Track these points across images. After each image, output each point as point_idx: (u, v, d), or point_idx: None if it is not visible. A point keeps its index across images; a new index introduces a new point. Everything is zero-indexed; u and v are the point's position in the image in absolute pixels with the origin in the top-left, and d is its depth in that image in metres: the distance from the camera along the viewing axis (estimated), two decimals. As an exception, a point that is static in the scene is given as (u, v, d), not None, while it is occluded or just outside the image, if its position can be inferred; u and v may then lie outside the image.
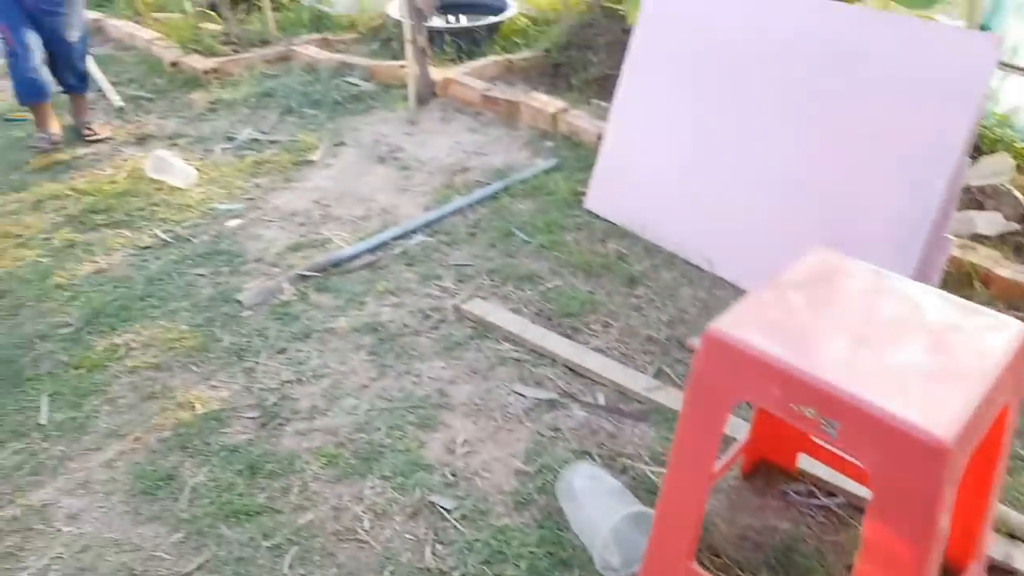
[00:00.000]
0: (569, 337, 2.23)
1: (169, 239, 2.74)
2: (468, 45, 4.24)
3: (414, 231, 2.73)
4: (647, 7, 2.65)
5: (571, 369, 2.12)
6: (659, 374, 2.12)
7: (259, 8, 4.63)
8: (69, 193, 3.04)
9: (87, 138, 3.46)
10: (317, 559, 1.62)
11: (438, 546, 1.65)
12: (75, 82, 3.46)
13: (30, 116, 3.42)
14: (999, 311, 2.20)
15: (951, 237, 2.07)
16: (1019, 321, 1.30)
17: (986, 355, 1.23)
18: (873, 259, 2.07)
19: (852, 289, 1.38)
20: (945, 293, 1.38)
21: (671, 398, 2.00)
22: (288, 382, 2.08)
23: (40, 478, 1.83)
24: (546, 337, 2.21)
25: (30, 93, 3.27)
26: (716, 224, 2.46)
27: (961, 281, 2.34)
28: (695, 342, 2.19)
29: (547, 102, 3.48)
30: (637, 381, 2.07)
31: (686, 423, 1.38)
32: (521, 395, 2.03)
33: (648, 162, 2.65)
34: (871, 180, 2.12)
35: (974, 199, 2.62)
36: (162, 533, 1.68)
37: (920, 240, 2.04)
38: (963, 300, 1.36)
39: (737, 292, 2.42)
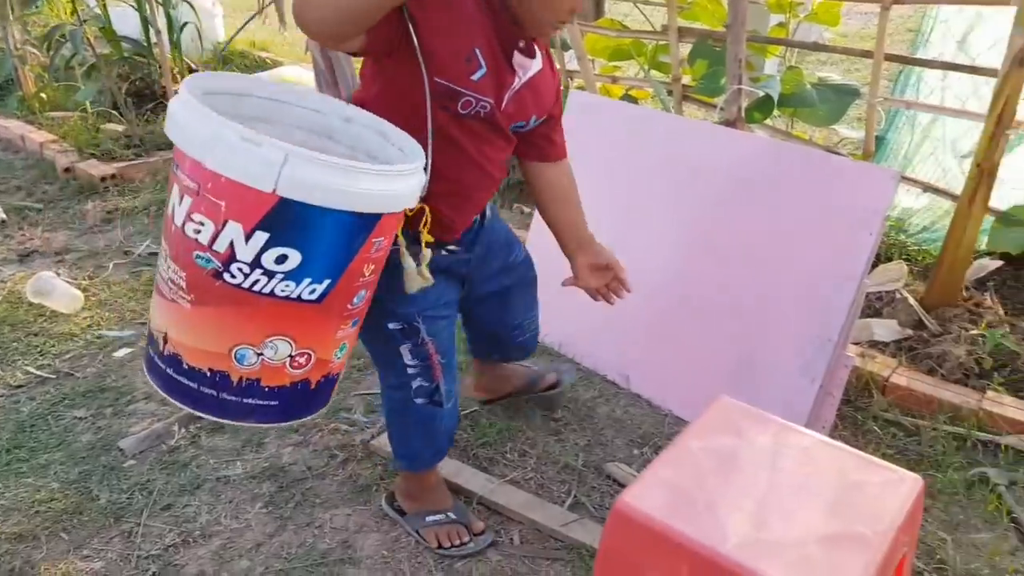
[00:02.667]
0: (485, 470, 2.14)
1: (46, 375, 2.53)
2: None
3: (318, 355, 2.61)
4: (569, 120, 2.68)
5: (486, 506, 2.03)
6: (576, 505, 2.05)
7: (167, 106, 4.51)
8: (-65, 324, 2.81)
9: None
10: None
11: None
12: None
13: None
14: (898, 418, 2.28)
15: (850, 355, 2.11)
16: (914, 475, 1.31)
17: (883, 515, 1.24)
18: (781, 378, 2.12)
19: (756, 448, 1.36)
20: (844, 446, 1.39)
21: (589, 533, 1.93)
22: (172, 546, 1.90)
23: None
24: (460, 472, 2.11)
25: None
26: (632, 341, 2.45)
27: (861, 390, 2.38)
28: (611, 469, 2.14)
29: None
30: (553, 516, 1.99)
31: (598, 601, 1.31)
32: (431, 543, 1.91)
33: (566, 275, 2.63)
34: (779, 302, 2.15)
35: (871, 305, 2.70)
36: None
37: (825, 360, 2.07)
38: (860, 454, 1.37)
39: (652, 408, 2.40)
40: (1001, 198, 2.86)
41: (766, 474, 1.32)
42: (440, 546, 1.87)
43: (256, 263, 1.28)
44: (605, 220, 2.53)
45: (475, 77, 1.46)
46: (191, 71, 5.15)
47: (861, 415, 2.33)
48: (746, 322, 2.21)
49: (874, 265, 2.84)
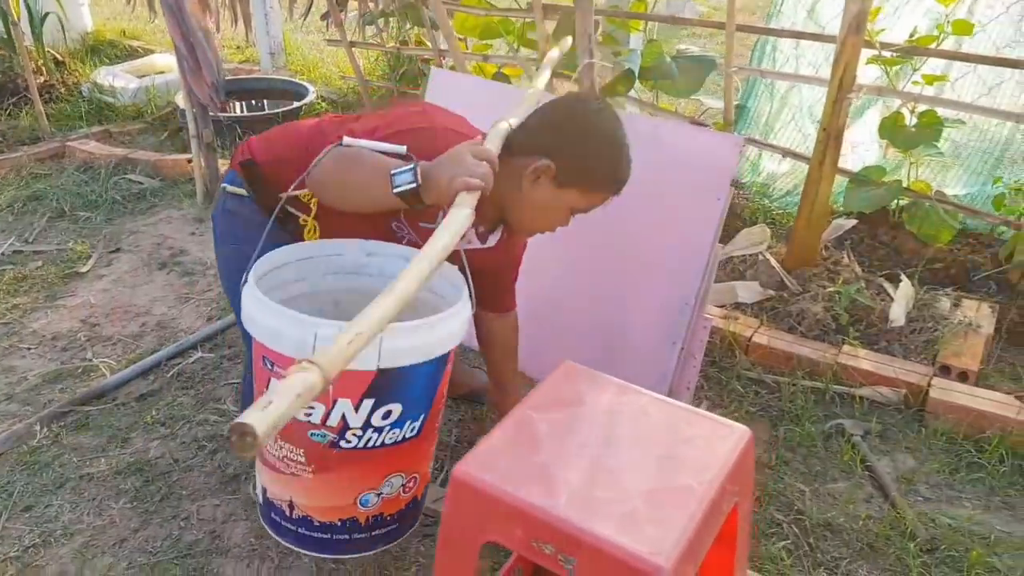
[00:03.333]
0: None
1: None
2: (262, 133, 4.13)
3: (193, 347, 2.56)
4: (428, 98, 2.67)
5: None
6: (447, 482, 2.07)
7: (30, 101, 4.29)
8: None
9: None
10: None
11: None
12: None
13: None
14: (760, 376, 2.39)
15: (709, 316, 2.20)
16: (742, 426, 1.38)
17: (710, 467, 1.29)
18: (648, 344, 2.19)
19: (593, 410, 1.41)
20: (678, 403, 1.46)
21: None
22: (33, 546, 1.84)
23: None
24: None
25: None
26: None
27: (725, 351, 2.49)
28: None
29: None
30: (428, 494, 2.02)
31: (441, 567, 1.34)
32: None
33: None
34: (641, 270, 2.22)
35: (736, 268, 2.82)
36: None
37: (685, 322, 2.15)
38: (693, 410, 1.43)
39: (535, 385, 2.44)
40: (854, 160, 3.02)
41: (601, 433, 1.37)
42: None
43: (367, 425, 1.47)
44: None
45: (423, 224, 1.67)
46: (57, 63, 4.90)
47: (725, 375, 2.44)
48: (613, 294, 2.27)
49: (738, 229, 2.96)
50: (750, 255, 2.84)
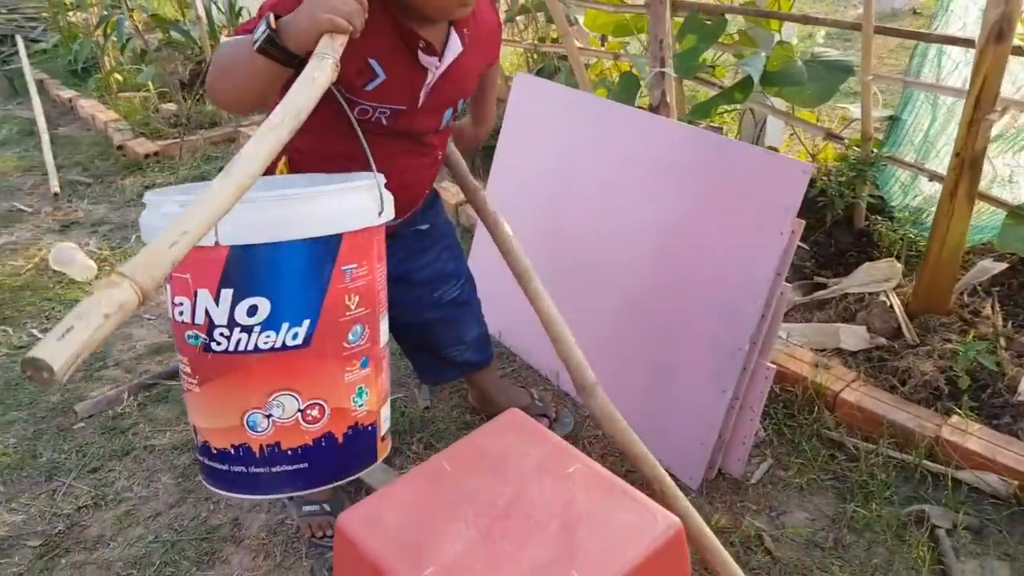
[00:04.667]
0: (387, 460, 2.15)
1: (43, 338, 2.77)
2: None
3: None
4: (512, 102, 2.60)
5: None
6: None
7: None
8: (-29, 286, 3.14)
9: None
10: None
11: None
12: None
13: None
14: (842, 438, 2.06)
15: (771, 365, 1.92)
16: (674, 518, 1.18)
17: (611, 558, 1.13)
18: (693, 385, 1.97)
19: (512, 470, 1.29)
20: (613, 477, 1.28)
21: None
22: (85, 507, 2.06)
23: None
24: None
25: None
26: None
27: (806, 404, 2.17)
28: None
29: (454, 192, 3.44)
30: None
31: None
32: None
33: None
34: (693, 303, 2.00)
35: (849, 308, 2.45)
36: None
37: (735, 369, 1.91)
38: (626, 488, 1.25)
39: (577, 407, 2.31)
40: (1014, 192, 2.50)
41: (506, 501, 1.24)
42: (313, 536, 1.90)
43: (232, 322, 1.26)
44: (537, 203, 2.46)
45: (369, 87, 1.44)
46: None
47: (800, 433, 2.13)
48: (663, 322, 2.07)
49: (867, 260, 2.57)
50: (870, 293, 2.45)
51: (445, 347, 2.03)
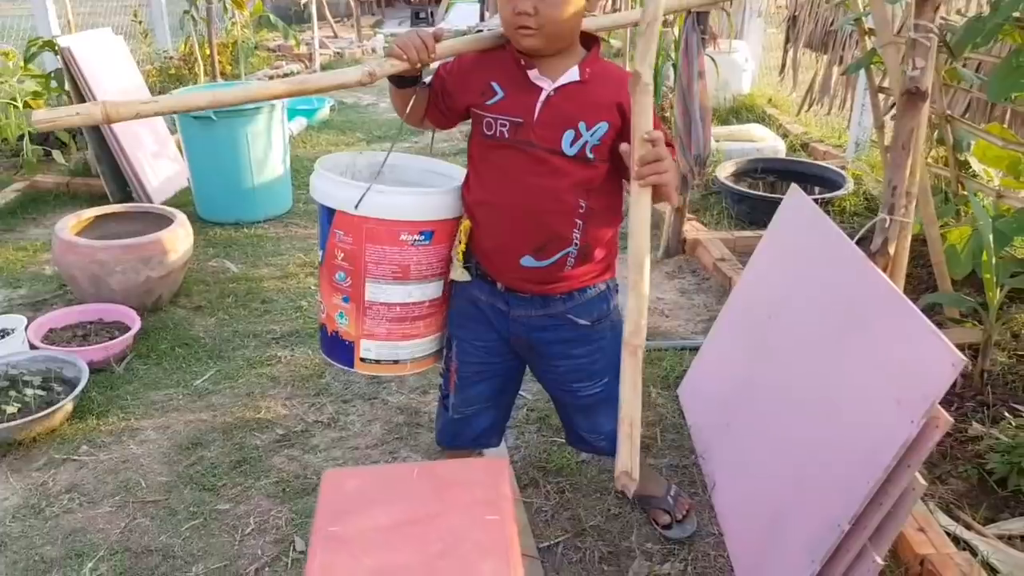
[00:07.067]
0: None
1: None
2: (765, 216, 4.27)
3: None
4: (778, 215, 2.59)
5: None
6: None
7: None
8: None
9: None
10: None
11: None
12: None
13: None
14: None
15: (879, 560, 1.67)
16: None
17: None
18: (791, 542, 1.83)
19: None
20: None
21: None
22: (319, 422, 2.74)
23: None
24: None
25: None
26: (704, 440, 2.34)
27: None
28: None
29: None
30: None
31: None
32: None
33: (717, 379, 2.60)
34: (812, 460, 1.86)
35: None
36: None
37: (829, 545, 1.72)
38: None
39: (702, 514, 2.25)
40: None
41: None
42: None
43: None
44: (747, 316, 2.42)
45: (491, 102, 1.77)
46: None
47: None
48: (787, 466, 1.94)
49: None
50: None
51: (580, 429, 2.12)
